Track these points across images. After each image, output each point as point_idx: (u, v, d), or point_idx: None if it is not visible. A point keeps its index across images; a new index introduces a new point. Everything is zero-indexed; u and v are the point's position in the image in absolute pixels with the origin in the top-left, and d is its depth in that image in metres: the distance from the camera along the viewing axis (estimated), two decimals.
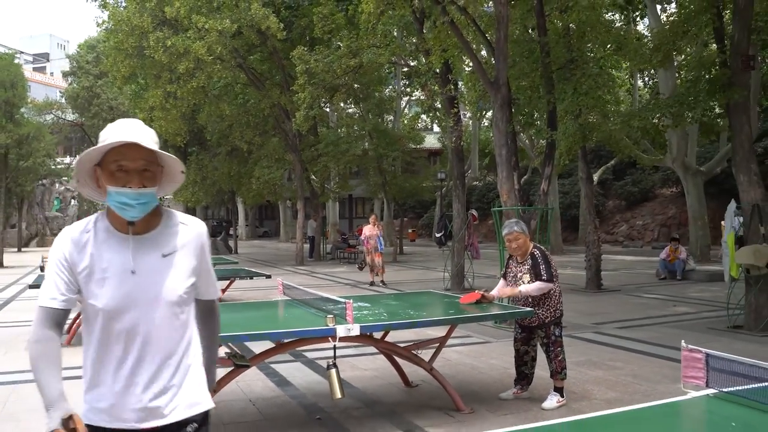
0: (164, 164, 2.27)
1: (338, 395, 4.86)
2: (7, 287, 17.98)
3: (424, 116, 38.31)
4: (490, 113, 37.16)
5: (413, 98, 42.41)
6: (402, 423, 5.56)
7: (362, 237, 18.31)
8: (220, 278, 11.09)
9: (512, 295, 6.06)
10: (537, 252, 6.01)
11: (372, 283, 17.37)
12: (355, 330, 4.82)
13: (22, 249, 40.05)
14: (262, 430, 5.44)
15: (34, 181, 34.28)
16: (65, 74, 46.28)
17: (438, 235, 17.67)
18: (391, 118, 36.42)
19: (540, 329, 6.02)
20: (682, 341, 3.67)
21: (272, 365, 7.48)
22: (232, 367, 5.06)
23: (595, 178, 32.31)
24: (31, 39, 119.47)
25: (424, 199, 43.44)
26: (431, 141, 45.74)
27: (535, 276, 5.90)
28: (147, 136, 2.18)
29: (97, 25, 25.21)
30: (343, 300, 5.30)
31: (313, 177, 27.53)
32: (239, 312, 6.25)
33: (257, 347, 7.13)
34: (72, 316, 10.50)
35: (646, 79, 32.74)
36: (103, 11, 24.53)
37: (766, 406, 2.84)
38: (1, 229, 26.85)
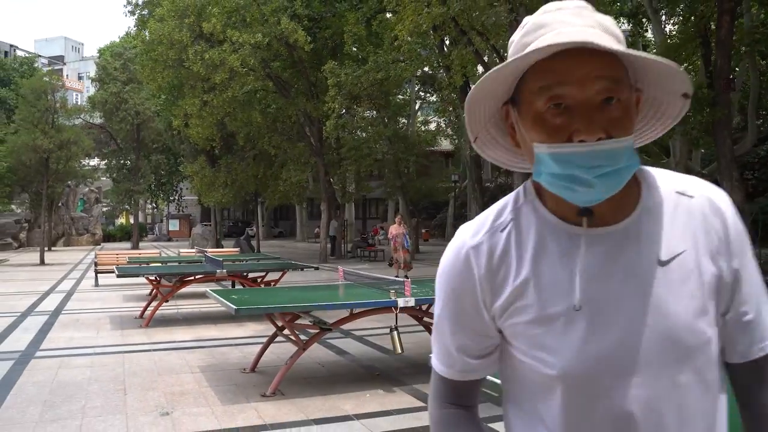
0: (644, 82, 1.10)
1: (399, 351, 6.43)
2: (61, 282, 19.63)
3: (437, 118, 39.76)
4: None
5: (427, 102, 43.91)
6: None
7: (390, 236, 19.88)
8: (273, 269, 12.77)
9: None
10: None
11: (396, 277, 18.96)
12: (411, 302, 6.41)
13: (51, 248, 41.76)
14: (334, 382, 7.01)
15: (66, 182, 35.97)
16: (93, 80, 47.96)
17: None
18: (405, 121, 37.93)
19: None
20: None
21: (329, 341, 9.05)
22: (318, 330, 6.65)
23: None
24: (46, 42, 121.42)
25: (436, 200, 44.96)
26: (444, 143, 47.21)
27: None
28: (608, 33, 1.05)
29: (133, 38, 26.95)
30: (398, 280, 6.89)
31: (332, 180, 29.12)
32: (316, 291, 7.87)
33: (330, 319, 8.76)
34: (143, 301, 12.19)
35: None
36: (140, 28, 26.26)
37: None
38: (43, 228, 28.59)
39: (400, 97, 38.29)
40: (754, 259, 1.14)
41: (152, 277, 11.49)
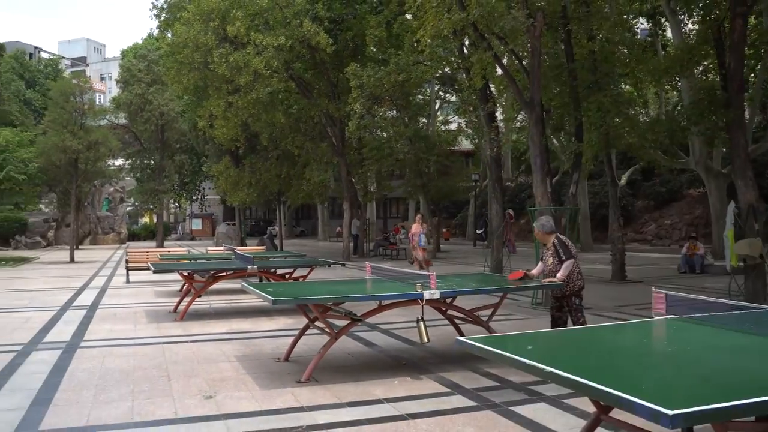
0: None
1: (426, 340, 6.86)
2: (92, 279, 20.23)
3: (456, 118, 40.07)
4: (519, 118, 39.07)
5: (446, 102, 44.24)
6: (470, 366, 7.53)
7: (410, 234, 20.31)
8: (302, 266, 13.27)
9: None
10: (556, 240, 7.94)
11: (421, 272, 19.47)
12: (436, 294, 6.83)
13: (78, 247, 42.59)
14: (363, 370, 7.44)
15: (95, 182, 36.72)
16: (118, 82, 48.84)
17: (479, 232, 19.63)
18: (425, 120, 38.30)
19: (565, 299, 7.95)
20: (653, 287, 5.63)
21: (357, 333, 9.49)
22: (349, 321, 7.09)
23: (624, 179, 33.87)
24: (69, 43, 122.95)
25: (457, 199, 45.28)
26: (465, 143, 47.51)
27: (558, 258, 7.83)
28: None
29: (155, 40, 27.55)
30: (423, 274, 7.31)
31: (354, 179, 29.59)
32: (346, 285, 8.33)
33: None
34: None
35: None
36: (162, 30, 26.83)
37: (704, 322, 4.79)
38: (72, 227, 29.31)
39: (420, 97, 38.69)
40: None
41: (186, 273, 12.00)
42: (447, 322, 8.66)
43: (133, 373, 7.37)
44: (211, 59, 23.28)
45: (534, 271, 8.28)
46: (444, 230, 46.70)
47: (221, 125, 25.68)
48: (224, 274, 12.09)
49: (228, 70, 23.12)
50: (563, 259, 7.79)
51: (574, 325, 7.96)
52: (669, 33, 26.31)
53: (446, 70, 26.90)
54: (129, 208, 57.21)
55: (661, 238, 35.69)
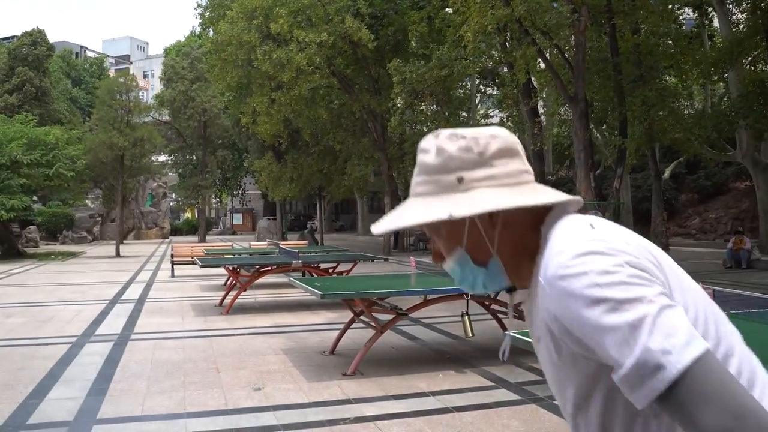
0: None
1: (470, 334, 6.89)
2: (138, 273, 20.67)
3: (497, 111, 39.83)
4: (561, 112, 38.74)
5: (487, 96, 44.07)
6: (513, 361, 7.57)
7: None
8: (345, 260, 13.39)
9: None
10: None
11: None
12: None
13: (123, 241, 43.46)
14: (408, 364, 7.53)
15: (139, 178, 37.42)
16: (162, 79, 49.73)
17: None
18: (465, 115, 38.20)
19: None
20: (700, 282, 5.62)
21: (400, 328, 9.58)
22: (395, 315, 7.17)
23: (668, 172, 33.33)
24: (113, 42, 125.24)
25: None
26: None
27: None
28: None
29: (197, 38, 27.94)
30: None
31: (394, 174, 29.68)
32: (391, 280, 8.42)
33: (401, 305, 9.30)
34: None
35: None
36: (204, 28, 27.18)
37: (751, 318, 4.77)
38: (119, 222, 29.92)
39: (461, 91, 38.58)
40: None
41: (232, 267, 12.20)
42: (490, 316, 8.69)
43: (184, 365, 7.55)
44: (255, 56, 23.58)
45: None
46: None
47: (264, 121, 25.99)
48: (269, 268, 12.26)
49: (271, 67, 23.38)
50: None
51: None
52: (716, 23, 25.83)
53: (488, 64, 26.84)
54: (171, 204, 58.04)
55: (705, 232, 35.06)
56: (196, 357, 7.97)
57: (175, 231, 56.65)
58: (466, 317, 6.85)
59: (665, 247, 17.00)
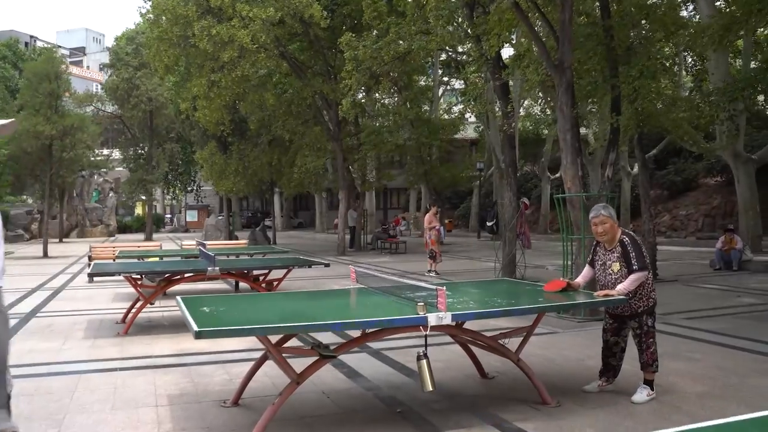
0: None
1: (429, 387, 4.62)
2: (55, 277, 18.07)
3: (458, 107, 37.89)
4: (526, 104, 36.79)
5: (450, 87, 42.09)
6: (487, 416, 5.31)
7: (426, 227, 18.21)
8: (277, 267, 10.99)
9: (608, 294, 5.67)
10: (627, 239, 5.71)
11: (429, 272, 17.28)
12: (447, 318, 4.59)
13: (63, 240, 40.55)
14: (343, 425, 5.23)
15: (76, 172, 34.53)
16: (104, 66, 46.66)
17: (490, 224, 17.41)
18: (427, 107, 36.10)
19: (633, 319, 5.73)
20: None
21: (339, 356, 7.26)
22: (317, 357, 4.86)
23: (636, 168, 31.64)
24: (67, 33, 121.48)
25: (459, 189, 43.10)
26: (468, 131, 45.39)
27: (626, 265, 5.61)
28: None
29: (141, 16, 25.23)
30: (428, 287, 5.08)
31: (351, 167, 27.42)
32: (316, 300, 6.04)
33: (327, 336, 6.95)
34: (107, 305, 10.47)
35: (690, 65, 31.95)
36: (146, 1, 24.54)
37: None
38: (45, 220, 27.14)
39: (423, 82, 36.44)
40: None
41: (133, 277, 9.72)
42: (459, 345, 6.45)
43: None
44: (192, 33, 20.99)
45: (579, 280, 6.04)
46: (447, 221, 44.55)
47: (203, 106, 23.37)
48: (180, 277, 9.84)
49: (210, 45, 20.83)
50: (635, 267, 5.56)
51: (641, 353, 5.73)
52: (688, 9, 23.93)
53: (450, 53, 24.70)
54: (116, 200, 54.78)
55: (675, 229, 33.73)
56: (38, 413, 5.57)
57: (124, 228, 53.57)
58: (424, 362, 4.58)
59: (653, 247, 14.94)
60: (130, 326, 9.23)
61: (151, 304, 9.86)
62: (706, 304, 11.61)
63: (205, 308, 5.13)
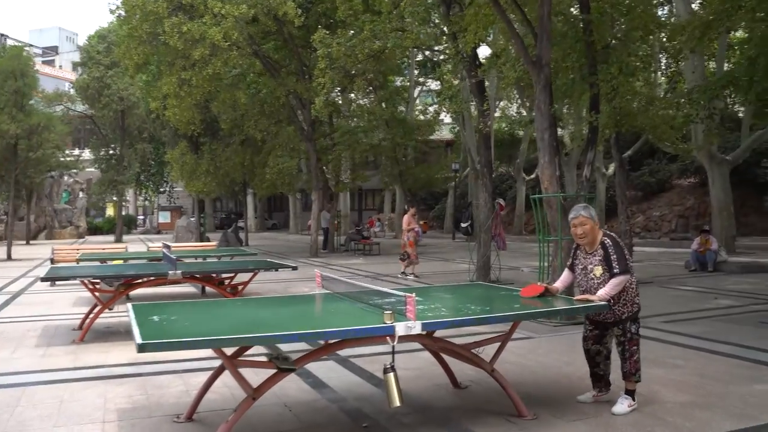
0: None
1: (397, 403, 4.26)
2: (16, 280, 17.46)
3: (432, 108, 37.67)
4: (501, 105, 36.60)
5: (426, 88, 41.85)
6: (460, 431, 4.97)
7: (404, 228, 17.83)
8: (242, 270, 10.58)
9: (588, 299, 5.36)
10: (608, 240, 5.39)
11: (403, 275, 16.94)
12: (417, 328, 4.23)
13: (30, 242, 39.64)
14: None
15: (44, 172, 33.68)
16: (75, 65, 45.78)
17: (464, 225, 17.08)
18: (403, 108, 35.80)
19: (616, 326, 5.41)
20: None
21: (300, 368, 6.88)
22: (275, 371, 4.48)
23: (611, 169, 31.60)
24: (40, 32, 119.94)
25: (434, 190, 42.90)
26: (443, 132, 45.23)
27: (608, 268, 5.29)
28: None
29: (111, 12, 24.59)
30: (396, 293, 4.72)
31: (326, 168, 27.03)
32: (277, 307, 5.64)
33: (290, 346, 6.58)
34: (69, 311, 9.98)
35: (663, 68, 31.96)
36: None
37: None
38: (10, 222, 26.37)
39: (399, 83, 36.16)
40: None
41: (89, 281, 9.24)
42: (430, 354, 6.10)
43: None
44: (162, 30, 20.44)
45: (558, 284, 5.71)
46: (422, 222, 44.27)
47: (173, 105, 22.79)
48: (140, 281, 9.38)
49: (181, 43, 20.29)
50: (616, 270, 5.25)
51: (624, 362, 5.41)
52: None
53: (426, 53, 24.39)
54: (87, 201, 53.74)
55: (649, 230, 33.92)
56: None
57: (96, 230, 52.62)
58: (392, 375, 4.21)
59: (630, 248, 14.72)
60: (86, 333, 8.77)
61: (110, 309, 9.40)
62: (683, 306, 11.39)
63: (155, 317, 4.72)
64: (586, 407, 5.51)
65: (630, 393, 5.43)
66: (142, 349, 3.73)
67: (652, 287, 14.09)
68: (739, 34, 25.09)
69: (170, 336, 4.12)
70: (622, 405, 5.35)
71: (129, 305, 5.17)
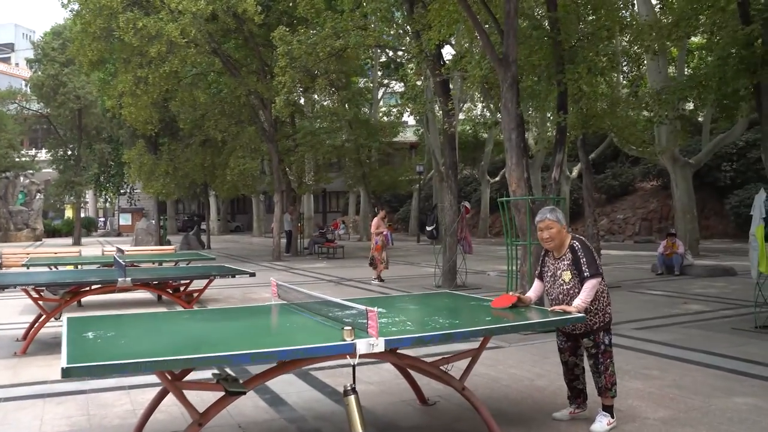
0: None
1: (359, 430, 3.85)
2: None
3: (396, 109, 37.40)
4: (465, 108, 36.45)
5: (390, 90, 41.54)
6: None
7: (373, 231, 17.36)
8: (197, 277, 10.07)
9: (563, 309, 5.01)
10: (577, 244, 5.06)
11: (374, 280, 16.46)
12: (379, 345, 3.83)
13: None
14: None
15: (7, 174, 32.64)
16: (30, 62, 44.50)
17: (430, 229, 16.73)
18: (366, 110, 35.43)
19: (586, 337, 5.07)
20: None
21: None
22: (223, 393, 4.04)
23: (575, 172, 31.62)
24: None
25: (399, 193, 42.62)
26: (408, 134, 44.99)
27: (577, 273, 4.96)
28: None
29: (63, 6, 23.74)
30: (358, 306, 4.31)
31: (288, 169, 26.55)
32: (228, 320, 5.18)
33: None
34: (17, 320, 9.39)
35: (625, 71, 32.12)
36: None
37: None
38: None
39: (362, 84, 35.78)
40: None
41: (32, 289, 8.65)
42: (395, 368, 5.70)
43: None
44: (117, 25, 19.77)
45: (531, 294, 5.36)
46: (387, 225, 43.92)
47: (129, 103, 22.10)
48: (87, 289, 8.84)
49: (137, 39, 19.66)
50: (587, 274, 4.92)
51: (598, 376, 5.07)
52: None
53: (389, 52, 24.02)
54: (43, 202, 52.40)
55: (613, 233, 34.12)
56: None
57: (54, 232, 51.30)
58: (352, 398, 3.80)
59: (598, 252, 14.49)
60: (29, 345, 8.21)
61: (56, 318, 8.84)
62: (653, 312, 11.16)
63: (90, 333, 4.25)
64: (562, 425, 5.16)
65: (608, 409, 5.09)
66: (66, 374, 3.27)
67: (621, 292, 13.87)
68: (697, 39, 25.31)
69: (103, 357, 3.65)
70: (601, 423, 5.01)
71: (65, 318, 4.69)
